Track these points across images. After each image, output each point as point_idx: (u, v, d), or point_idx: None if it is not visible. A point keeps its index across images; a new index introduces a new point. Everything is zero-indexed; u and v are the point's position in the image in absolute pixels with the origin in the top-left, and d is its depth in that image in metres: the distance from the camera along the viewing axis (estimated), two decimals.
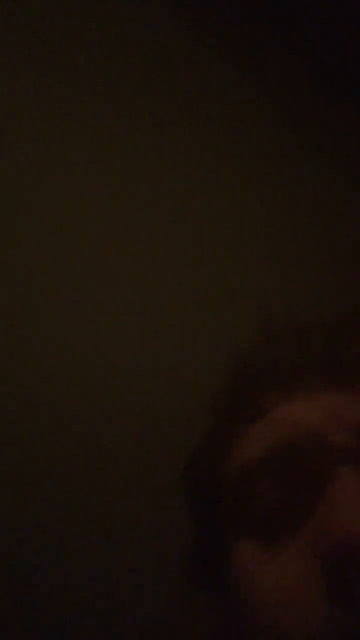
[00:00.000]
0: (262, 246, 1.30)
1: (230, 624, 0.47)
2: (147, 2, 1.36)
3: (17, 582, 0.91)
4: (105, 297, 1.13)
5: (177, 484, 0.54)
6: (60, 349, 1.06)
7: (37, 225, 1.12)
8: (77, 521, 0.96)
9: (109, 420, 1.05)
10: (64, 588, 0.92)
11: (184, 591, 0.52)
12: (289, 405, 0.47)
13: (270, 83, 1.45)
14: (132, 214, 1.21)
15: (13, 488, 0.95)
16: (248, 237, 1.30)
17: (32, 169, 1.15)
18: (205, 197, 1.30)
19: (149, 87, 1.32)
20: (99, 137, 1.23)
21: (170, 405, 1.07)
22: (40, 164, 1.16)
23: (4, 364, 1.02)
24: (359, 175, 1.45)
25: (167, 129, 1.30)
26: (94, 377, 1.06)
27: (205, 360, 1.03)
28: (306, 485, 0.44)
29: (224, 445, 0.50)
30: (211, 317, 1.18)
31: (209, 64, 1.40)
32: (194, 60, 1.38)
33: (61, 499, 0.97)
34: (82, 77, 1.25)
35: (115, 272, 1.15)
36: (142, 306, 1.15)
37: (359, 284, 1.22)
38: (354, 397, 0.47)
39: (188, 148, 1.31)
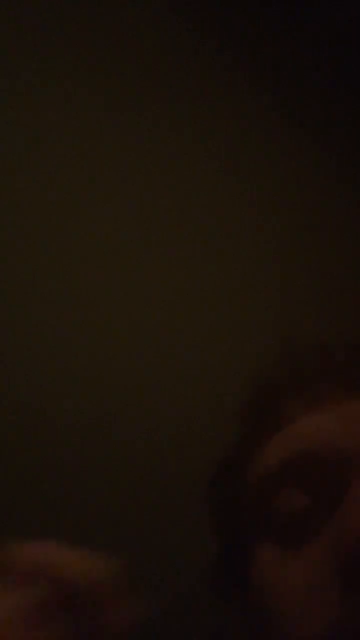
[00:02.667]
0: (285, 261, 1.30)
1: (251, 629, 0.49)
2: None
3: None
4: (110, 310, 1.13)
5: (198, 496, 0.56)
6: (69, 362, 1.07)
7: (37, 231, 1.12)
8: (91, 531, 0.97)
9: (131, 432, 1.06)
10: None
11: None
12: (309, 417, 0.50)
13: (273, 82, 1.45)
14: (137, 224, 1.21)
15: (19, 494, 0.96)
16: (270, 249, 1.30)
17: (33, 171, 1.15)
18: (218, 207, 1.30)
19: (147, 86, 1.32)
20: (100, 137, 1.23)
21: (195, 415, 1.08)
22: (41, 165, 1.16)
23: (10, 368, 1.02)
24: None
25: (169, 131, 1.30)
26: (115, 391, 1.07)
27: (229, 372, 1.04)
28: (324, 493, 0.47)
29: (249, 455, 0.53)
30: (232, 330, 1.19)
31: (209, 61, 1.40)
32: (194, 55, 1.38)
33: (76, 507, 0.98)
34: (80, 74, 1.25)
35: (118, 284, 1.16)
36: (163, 317, 1.15)
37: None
38: None
39: (192, 156, 1.31)
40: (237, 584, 0.51)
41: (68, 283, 1.11)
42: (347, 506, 0.44)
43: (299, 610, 0.44)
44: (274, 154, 1.40)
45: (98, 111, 1.24)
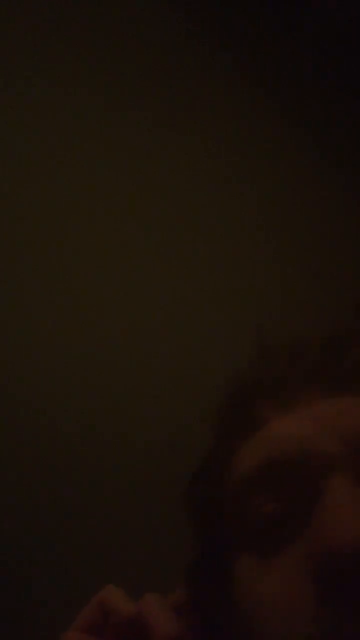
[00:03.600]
0: (262, 261, 1.30)
1: (230, 636, 0.48)
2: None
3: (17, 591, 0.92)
4: (107, 313, 1.13)
5: (179, 502, 0.54)
6: (61, 365, 1.07)
7: (38, 234, 1.12)
8: (77, 542, 0.97)
9: (111, 439, 1.05)
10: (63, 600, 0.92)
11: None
12: (281, 419, 0.48)
13: (273, 83, 1.45)
14: (131, 225, 1.21)
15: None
16: (248, 251, 1.30)
17: (33, 176, 1.15)
18: (207, 207, 1.29)
19: (148, 87, 1.31)
20: (100, 139, 1.23)
21: (172, 420, 1.08)
22: (41, 167, 1.16)
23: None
24: None
25: (169, 132, 1.30)
26: (94, 395, 1.07)
27: (206, 375, 1.04)
28: (299, 496, 0.45)
29: (223, 461, 0.51)
30: (211, 334, 1.19)
31: (209, 62, 1.40)
32: (194, 57, 1.38)
33: (60, 518, 0.97)
34: (81, 76, 1.25)
35: (115, 287, 1.16)
36: (144, 322, 1.15)
37: (353, 299, 1.23)
38: (345, 406, 0.48)
39: (191, 157, 1.31)
40: (215, 588, 0.50)
41: (69, 290, 1.11)
42: (320, 513, 0.43)
43: (275, 621, 0.43)
44: (273, 154, 1.40)
45: (98, 111, 1.24)
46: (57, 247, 1.13)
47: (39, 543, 0.95)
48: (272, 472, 0.46)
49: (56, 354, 1.07)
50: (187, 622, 0.50)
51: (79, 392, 1.06)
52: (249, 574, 0.46)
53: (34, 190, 1.14)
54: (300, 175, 1.41)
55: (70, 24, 1.26)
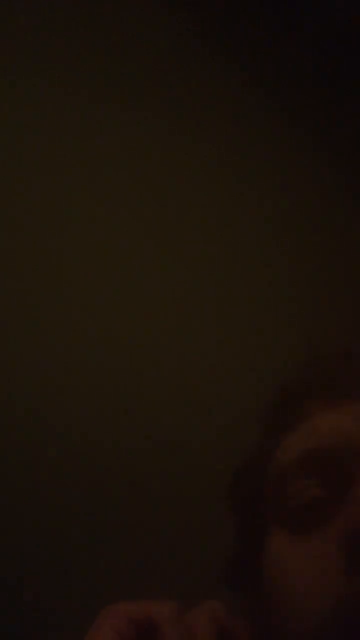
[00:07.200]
0: (263, 261, 1.31)
1: (263, 619, 0.51)
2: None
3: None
4: (108, 315, 1.14)
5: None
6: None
7: (38, 235, 1.12)
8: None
9: (111, 443, 1.06)
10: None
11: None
12: (325, 415, 0.54)
13: (273, 83, 1.45)
14: (144, 233, 1.22)
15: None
16: (248, 252, 1.31)
17: (34, 179, 1.15)
18: (207, 207, 1.30)
19: (148, 87, 1.32)
20: (99, 139, 1.23)
21: (172, 422, 1.09)
22: (41, 167, 1.16)
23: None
24: None
25: (169, 132, 1.30)
26: (93, 398, 1.07)
27: (207, 377, 1.05)
28: (336, 483, 0.50)
29: (270, 450, 0.57)
30: (212, 336, 1.20)
31: (209, 62, 1.40)
32: (194, 57, 1.38)
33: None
34: (81, 76, 1.25)
35: (116, 289, 1.16)
36: (144, 324, 1.16)
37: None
38: None
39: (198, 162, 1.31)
40: (252, 574, 0.54)
41: (70, 292, 1.11)
42: (352, 497, 0.48)
43: (307, 589, 0.47)
44: (273, 154, 1.40)
45: (98, 112, 1.24)
46: (57, 250, 1.13)
47: (39, 545, 0.95)
48: (313, 459, 0.52)
49: (57, 356, 1.07)
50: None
51: (79, 395, 1.06)
52: (283, 549, 0.51)
53: (33, 191, 1.14)
54: (299, 175, 1.41)
55: (70, 24, 1.26)
